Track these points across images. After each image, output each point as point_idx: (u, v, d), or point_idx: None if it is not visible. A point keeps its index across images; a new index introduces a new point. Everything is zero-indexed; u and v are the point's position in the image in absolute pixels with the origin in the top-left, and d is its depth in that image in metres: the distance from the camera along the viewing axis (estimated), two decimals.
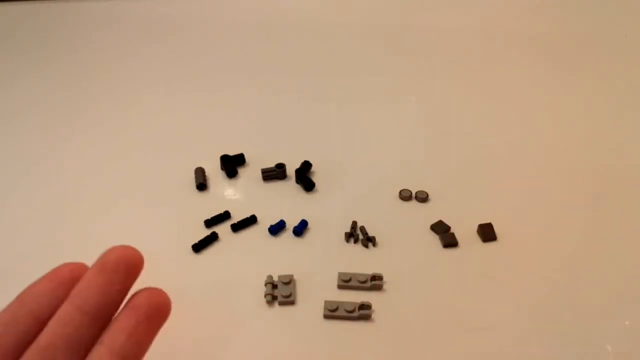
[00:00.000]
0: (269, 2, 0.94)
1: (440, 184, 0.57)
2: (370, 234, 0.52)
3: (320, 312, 0.45)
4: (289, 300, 0.46)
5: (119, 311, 0.30)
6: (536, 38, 0.84)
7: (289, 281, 0.47)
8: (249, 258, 0.50)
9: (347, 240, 0.52)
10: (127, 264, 0.31)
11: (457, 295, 0.46)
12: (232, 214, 0.54)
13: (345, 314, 0.44)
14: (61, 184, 0.59)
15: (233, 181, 0.59)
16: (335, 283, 0.47)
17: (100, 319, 0.29)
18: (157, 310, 0.31)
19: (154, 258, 0.51)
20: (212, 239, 0.52)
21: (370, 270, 0.48)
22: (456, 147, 0.63)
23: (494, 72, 0.77)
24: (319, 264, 0.49)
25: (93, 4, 0.95)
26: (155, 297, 0.31)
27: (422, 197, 0.56)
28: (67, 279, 0.30)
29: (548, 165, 0.60)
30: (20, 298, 0.30)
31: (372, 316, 0.45)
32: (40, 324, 0.28)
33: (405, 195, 0.56)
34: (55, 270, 0.31)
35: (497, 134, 0.65)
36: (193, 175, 0.59)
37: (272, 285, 0.47)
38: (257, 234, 0.53)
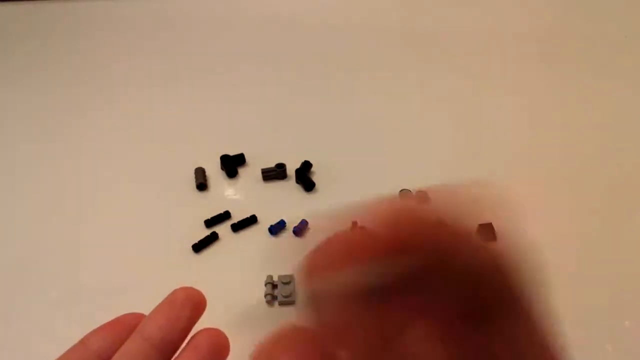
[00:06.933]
0: (271, 1, 0.94)
1: (440, 184, 0.57)
2: None
3: None
4: (289, 300, 0.46)
5: (180, 350, 0.31)
6: (542, 38, 0.84)
7: (289, 281, 0.47)
8: (249, 258, 0.50)
9: None
10: (194, 302, 0.32)
11: None
12: (232, 214, 0.54)
13: None
14: (61, 184, 0.59)
15: (233, 181, 0.59)
16: None
17: (167, 353, 0.30)
18: (217, 351, 0.32)
19: (154, 258, 0.51)
20: (212, 239, 0.52)
21: None
22: (456, 148, 0.63)
23: (496, 72, 0.77)
24: None
25: (93, 3, 0.95)
26: (215, 338, 0.32)
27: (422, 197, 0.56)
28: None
29: (549, 166, 0.60)
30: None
31: None
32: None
33: (405, 195, 0.56)
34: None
35: (498, 134, 0.65)
36: (193, 175, 0.59)
37: (272, 285, 0.47)
38: (257, 234, 0.53)
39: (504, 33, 0.85)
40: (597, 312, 0.45)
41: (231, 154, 0.61)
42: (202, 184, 0.57)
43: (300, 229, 0.52)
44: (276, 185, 0.58)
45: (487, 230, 0.53)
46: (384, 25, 0.88)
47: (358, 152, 0.63)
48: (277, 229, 0.52)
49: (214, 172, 0.60)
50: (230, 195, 0.57)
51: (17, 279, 0.49)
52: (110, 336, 0.31)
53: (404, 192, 0.56)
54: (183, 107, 0.71)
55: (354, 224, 0.22)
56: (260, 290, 0.47)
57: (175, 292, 0.32)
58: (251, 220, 0.54)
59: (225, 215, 0.54)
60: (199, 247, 0.51)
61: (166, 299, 0.32)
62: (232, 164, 0.60)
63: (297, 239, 0.52)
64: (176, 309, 0.31)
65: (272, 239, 0.52)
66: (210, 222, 0.53)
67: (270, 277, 0.47)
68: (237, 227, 0.53)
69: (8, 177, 0.60)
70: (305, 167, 0.59)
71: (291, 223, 0.53)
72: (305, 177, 0.58)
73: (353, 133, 0.65)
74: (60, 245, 0.52)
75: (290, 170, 0.59)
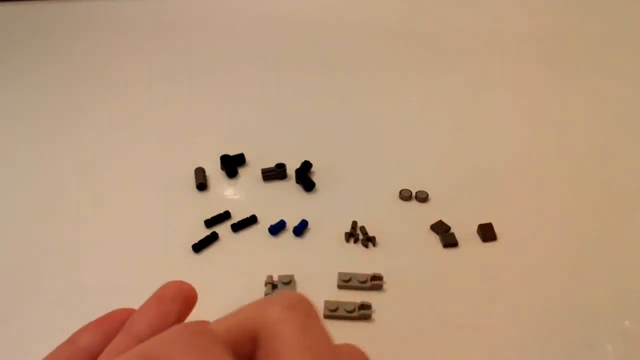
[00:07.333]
0: (271, 1, 0.94)
1: (440, 184, 0.57)
2: (370, 234, 0.52)
3: (320, 312, 0.45)
4: None
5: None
6: (542, 38, 0.84)
7: (289, 281, 0.47)
8: (249, 258, 0.50)
9: (347, 240, 0.52)
10: (183, 297, 0.31)
11: (456, 295, 0.46)
12: (232, 214, 0.54)
13: (345, 314, 0.44)
14: (61, 184, 0.59)
15: (233, 181, 0.59)
16: (335, 283, 0.47)
17: None
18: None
19: (154, 258, 0.51)
20: (212, 239, 0.52)
21: (370, 270, 0.48)
22: (457, 148, 0.63)
23: (496, 72, 0.77)
24: (319, 264, 0.49)
25: (93, 3, 0.95)
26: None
27: (422, 197, 0.56)
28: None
29: (549, 166, 0.60)
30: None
31: (372, 316, 0.45)
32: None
33: (405, 195, 0.56)
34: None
35: (498, 134, 0.65)
36: (193, 175, 0.59)
37: (272, 285, 0.47)
38: (257, 234, 0.53)
39: (504, 33, 0.85)
40: (597, 312, 0.45)
41: (231, 154, 0.61)
42: (202, 184, 0.57)
43: (300, 229, 0.52)
44: (276, 185, 0.58)
45: (487, 230, 0.53)
46: (384, 25, 0.88)
47: (358, 152, 0.63)
48: (277, 229, 0.52)
49: (214, 172, 0.60)
50: (230, 195, 0.57)
51: (17, 279, 0.49)
52: (99, 333, 0.30)
53: (404, 192, 0.56)
54: (183, 107, 0.71)
55: None
56: (260, 290, 0.47)
57: (163, 286, 0.32)
58: (251, 220, 0.54)
59: (225, 215, 0.54)
60: (199, 247, 0.51)
61: (155, 294, 0.31)
62: (232, 164, 0.60)
63: (297, 239, 0.52)
64: (165, 304, 0.30)
65: (272, 239, 0.52)
66: (210, 222, 0.53)
67: (270, 277, 0.47)
68: (237, 227, 0.53)
69: (8, 178, 0.60)
70: (305, 167, 0.59)
71: (291, 223, 0.53)
72: (305, 177, 0.58)
73: (353, 133, 0.66)
74: (60, 245, 0.52)
75: (290, 170, 0.59)
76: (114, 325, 0.31)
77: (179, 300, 0.31)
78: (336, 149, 0.63)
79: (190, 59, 0.81)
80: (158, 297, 0.31)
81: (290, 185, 0.58)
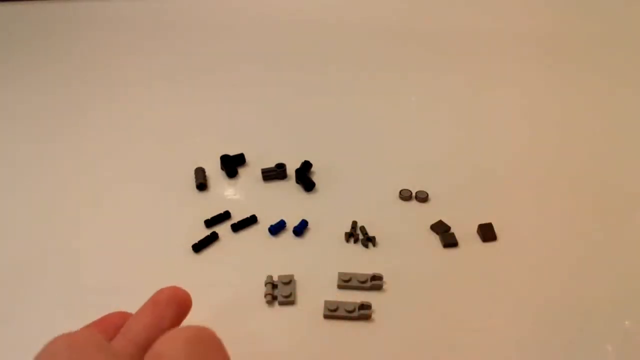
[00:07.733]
0: (271, 1, 0.94)
1: (440, 184, 0.57)
2: (370, 234, 0.52)
3: (320, 312, 0.45)
4: (289, 300, 0.46)
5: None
6: (542, 38, 0.84)
7: (289, 281, 0.47)
8: (249, 258, 0.50)
9: (347, 240, 0.52)
10: (178, 301, 0.32)
11: (457, 295, 0.46)
12: (232, 214, 0.54)
13: (345, 314, 0.44)
14: (61, 184, 0.59)
15: (233, 181, 0.59)
16: (335, 283, 0.47)
17: None
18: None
19: (154, 258, 0.51)
20: (212, 239, 0.52)
21: (370, 270, 0.48)
22: (457, 148, 0.63)
23: (496, 72, 0.77)
24: (319, 264, 0.49)
25: (93, 3, 0.95)
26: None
27: (422, 197, 0.56)
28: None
29: (549, 167, 0.60)
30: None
31: (372, 316, 0.45)
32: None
33: (405, 195, 0.56)
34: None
35: (498, 134, 0.65)
36: (193, 175, 0.59)
37: (272, 285, 0.47)
38: (257, 234, 0.53)
39: (504, 33, 0.85)
40: (597, 312, 0.45)
41: (231, 154, 0.61)
42: (202, 184, 0.57)
43: (300, 229, 0.52)
44: (276, 185, 0.58)
45: (487, 230, 0.53)
46: (384, 25, 0.88)
47: (358, 152, 0.63)
48: (277, 229, 0.52)
49: (214, 172, 0.60)
50: (230, 195, 0.57)
51: (17, 279, 0.49)
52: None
53: (404, 192, 0.56)
54: (183, 107, 0.71)
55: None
56: (260, 290, 0.47)
57: (159, 291, 0.32)
58: (251, 220, 0.54)
59: (225, 215, 0.54)
60: (199, 247, 0.51)
61: (150, 298, 0.32)
62: (232, 164, 0.60)
63: (297, 239, 0.52)
64: (160, 308, 0.31)
65: (272, 239, 0.52)
66: (210, 222, 0.53)
67: (270, 277, 0.47)
68: (237, 227, 0.53)
69: (8, 178, 0.60)
70: (305, 167, 0.59)
71: (291, 223, 0.53)
72: (305, 177, 0.58)
73: (353, 133, 0.66)
74: (60, 245, 0.52)
75: (290, 170, 0.59)
76: (110, 328, 0.31)
77: (174, 304, 0.31)
78: (336, 149, 0.63)
79: (190, 59, 0.81)
80: (153, 301, 0.31)
81: (290, 185, 0.58)
